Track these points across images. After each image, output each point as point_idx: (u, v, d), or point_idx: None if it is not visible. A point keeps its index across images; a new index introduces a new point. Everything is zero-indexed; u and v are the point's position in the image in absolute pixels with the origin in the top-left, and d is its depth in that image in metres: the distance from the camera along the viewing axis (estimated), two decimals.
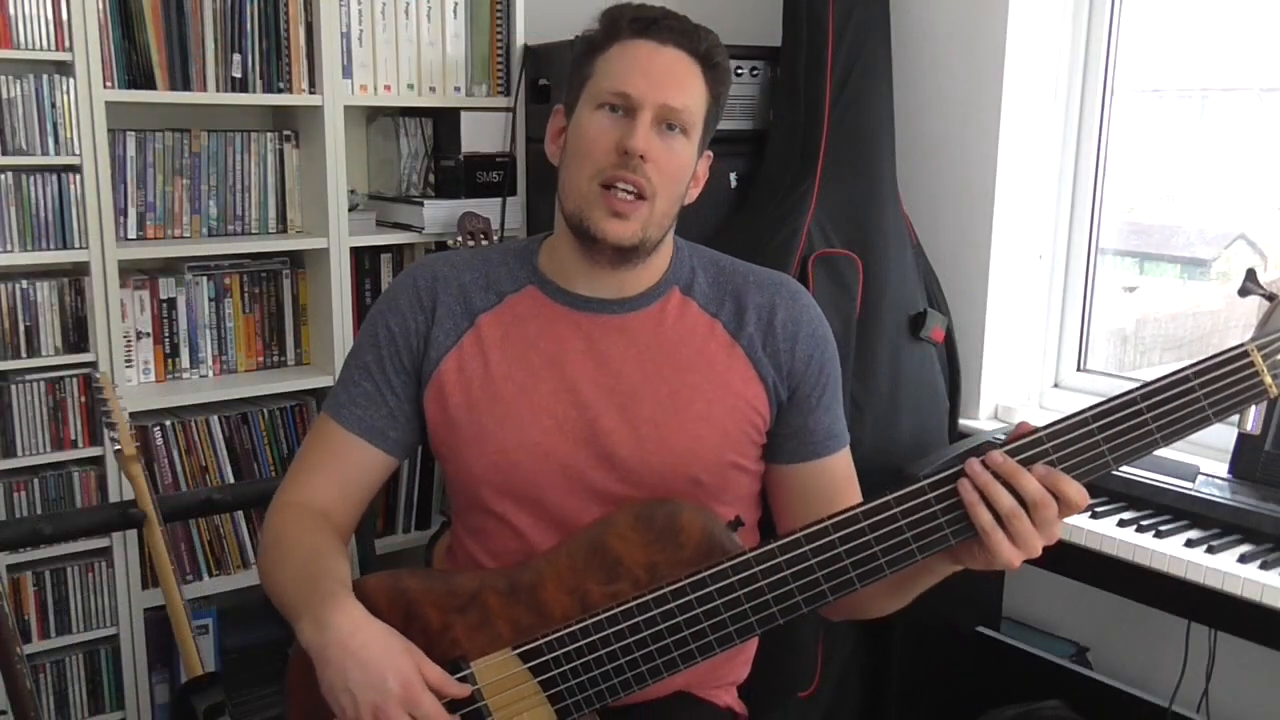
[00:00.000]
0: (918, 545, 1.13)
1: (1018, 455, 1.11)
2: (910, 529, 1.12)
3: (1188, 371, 1.09)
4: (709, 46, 1.31)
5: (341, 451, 1.37)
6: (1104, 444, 1.10)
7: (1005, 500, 1.09)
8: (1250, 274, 1.14)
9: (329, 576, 1.24)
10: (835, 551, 1.14)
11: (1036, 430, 1.12)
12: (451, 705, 1.20)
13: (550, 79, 2.60)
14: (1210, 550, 1.81)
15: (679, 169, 1.29)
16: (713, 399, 1.33)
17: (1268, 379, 1.08)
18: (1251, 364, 1.08)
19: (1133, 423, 1.09)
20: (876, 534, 1.13)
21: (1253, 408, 1.99)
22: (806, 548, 1.14)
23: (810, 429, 1.37)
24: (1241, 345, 1.09)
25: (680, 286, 1.37)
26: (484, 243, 2.53)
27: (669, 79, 1.27)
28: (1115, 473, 2.00)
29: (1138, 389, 1.10)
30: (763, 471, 1.40)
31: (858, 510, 1.14)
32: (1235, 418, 2.06)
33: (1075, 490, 1.10)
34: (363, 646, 1.16)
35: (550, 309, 1.35)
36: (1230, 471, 2.01)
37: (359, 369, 1.38)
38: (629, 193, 1.26)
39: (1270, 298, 1.11)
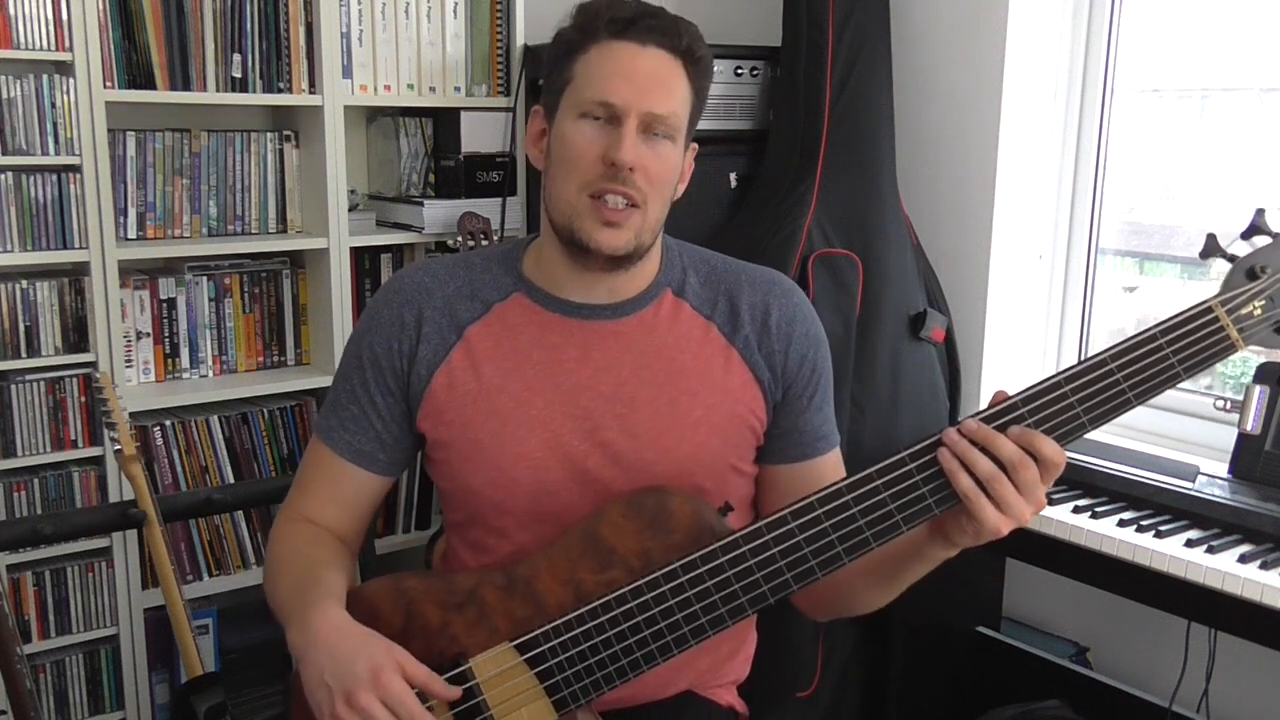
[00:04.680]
0: (902, 516, 1.14)
1: (995, 422, 1.11)
2: (894, 500, 1.13)
3: (1155, 331, 1.11)
4: (690, 41, 1.25)
5: (336, 475, 1.37)
6: (1078, 406, 1.11)
7: (983, 464, 1.10)
8: (1211, 238, 1.16)
9: (319, 586, 1.26)
10: (821, 527, 1.15)
11: (1012, 397, 1.13)
12: (452, 705, 1.20)
13: None
14: (1210, 550, 1.81)
15: (668, 174, 1.27)
16: (712, 404, 1.32)
17: (1233, 333, 1.10)
18: (1216, 319, 1.10)
19: (1105, 383, 1.11)
20: (861, 507, 1.14)
21: (1253, 406, 2.01)
22: (793, 524, 1.16)
23: (800, 430, 1.37)
24: (1205, 302, 1.12)
25: (672, 288, 1.35)
26: (484, 243, 2.53)
27: (653, 84, 1.23)
28: (1115, 473, 2.04)
29: (1107, 351, 1.12)
30: (755, 474, 1.39)
31: (841, 485, 1.15)
32: (1236, 416, 2.07)
33: (1051, 448, 1.10)
34: (340, 639, 1.18)
35: (541, 316, 1.33)
36: (1230, 471, 2.02)
37: (346, 392, 1.36)
38: (621, 202, 1.23)
39: (1231, 259, 1.13)
